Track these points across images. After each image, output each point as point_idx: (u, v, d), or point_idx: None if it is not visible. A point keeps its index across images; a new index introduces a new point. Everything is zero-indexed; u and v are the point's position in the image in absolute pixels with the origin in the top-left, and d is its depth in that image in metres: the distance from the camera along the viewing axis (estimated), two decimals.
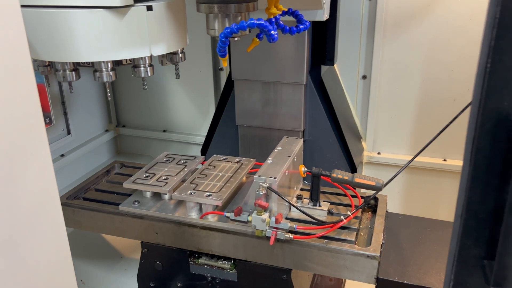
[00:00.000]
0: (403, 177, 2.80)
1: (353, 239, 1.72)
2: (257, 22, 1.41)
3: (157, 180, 1.97)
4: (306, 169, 1.89)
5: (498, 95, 0.79)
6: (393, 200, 2.88)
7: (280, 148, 1.97)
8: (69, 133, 2.87)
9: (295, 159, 1.94)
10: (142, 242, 1.98)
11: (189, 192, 1.84)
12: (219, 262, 1.90)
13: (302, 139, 2.09)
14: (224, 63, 1.59)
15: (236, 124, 2.49)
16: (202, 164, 2.16)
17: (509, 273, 0.83)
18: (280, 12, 1.64)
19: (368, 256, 1.64)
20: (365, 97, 2.71)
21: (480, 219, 0.89)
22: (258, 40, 1.69)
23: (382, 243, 1.74)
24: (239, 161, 2.14)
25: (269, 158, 1.86)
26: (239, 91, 2.44)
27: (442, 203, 2.78)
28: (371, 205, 2.02)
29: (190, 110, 3.12)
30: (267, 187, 1.66)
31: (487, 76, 0.78)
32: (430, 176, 2.73)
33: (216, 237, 1.83)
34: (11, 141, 1.03)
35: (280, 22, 1.65)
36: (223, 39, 1.44)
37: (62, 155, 2.82)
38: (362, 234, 1.82)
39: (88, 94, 3.06)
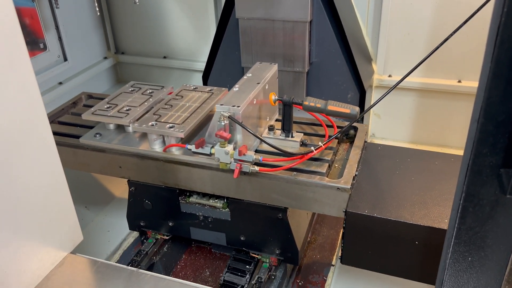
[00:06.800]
0: (414, 101, 2.67)
1: (324, 171, 1.60)
2: None
3: (118, 111, 1.84)
4: (276, 97, 1.74)
5: None
6: (403, 126, 2.78)
7: (250, 75, 1.80)
8: (65, 59, 2.76)
9: (266, 87, 1.78)
10: (128, 180, 1.89)
11: (150, 123, 1.71)
12: (211, 201, 1.83)
13: (276, 65, 1.90)
14: None
15: (236, 17, 2.28)
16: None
17: None
18: None
19: (338, 188, 1.54)
20: (376, 14, 2.52)
21: (499, 123, 0.79)
22: None
23: (355, 175, 1.62)
24: (210, 90, 1.99)
25: (236, 86, 1.71)
26: None
27: (455, 128, 2.67)
28: (350, 136, 1.87)
29: (190, 33, 2.95)
30: (229, 117, 1.54)
31: None
32: (443, 99, 2.60)
33: (181, 170, 1.73)
34: None
35: None
36: None
37: (60, 83, 2.73)
38: (336, 165, 1.71)
39: (83, 18, 2.90)
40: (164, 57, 3.09)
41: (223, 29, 2.45)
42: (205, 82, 2.68)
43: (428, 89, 2.58)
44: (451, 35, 1.57)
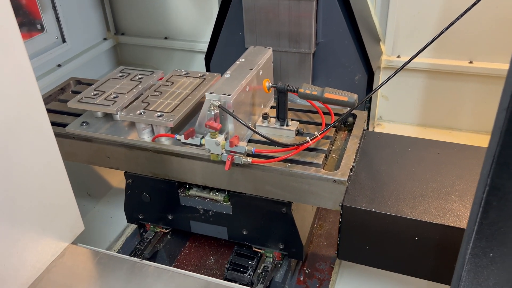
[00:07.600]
0: (424, 83, 2.59)
1: (320, 162, 1.52)
2: None
3: (105, 99, 1.75)
4: (271, 84, 1.65)
5: None
6: (411, 108, 2.71)
7: (243, 60, 1.70)
8: (64, 41, 2.68)
9: (260, 73, 1.68)
10: (125, 172, 1.82)
11: (138, 112, 1.62)
12: (211, 194, 1.76)
13: (271, 49, 1.80)
14: None
15: None
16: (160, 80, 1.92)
17: None
18: None
19: (334, 181, 1.46)
20: None
21: None
22: None
23: (353, 166, 1.54)
24: (202, 76, 1.89)
25: (227, 72, 1.62)
26: None
27: (465, 111, 2.59)
28: (349, 123, 1.78)
29: (192, 13, 2.86)
30: (219, 106, 1.45)
31: None
32: (453, 81, 2.51)
33: (171, 161, 1.65)
34: None
35: None
36: None
37: (59, 65, 2.66)
38: (333, 156, 1.63)
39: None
40: (166, 38, 3.00)
41: (226, 8, 2.36)
42: (207, 64, 2.61)
43: (438, 70, 2.49)
44: (463, 14, 1.49)
